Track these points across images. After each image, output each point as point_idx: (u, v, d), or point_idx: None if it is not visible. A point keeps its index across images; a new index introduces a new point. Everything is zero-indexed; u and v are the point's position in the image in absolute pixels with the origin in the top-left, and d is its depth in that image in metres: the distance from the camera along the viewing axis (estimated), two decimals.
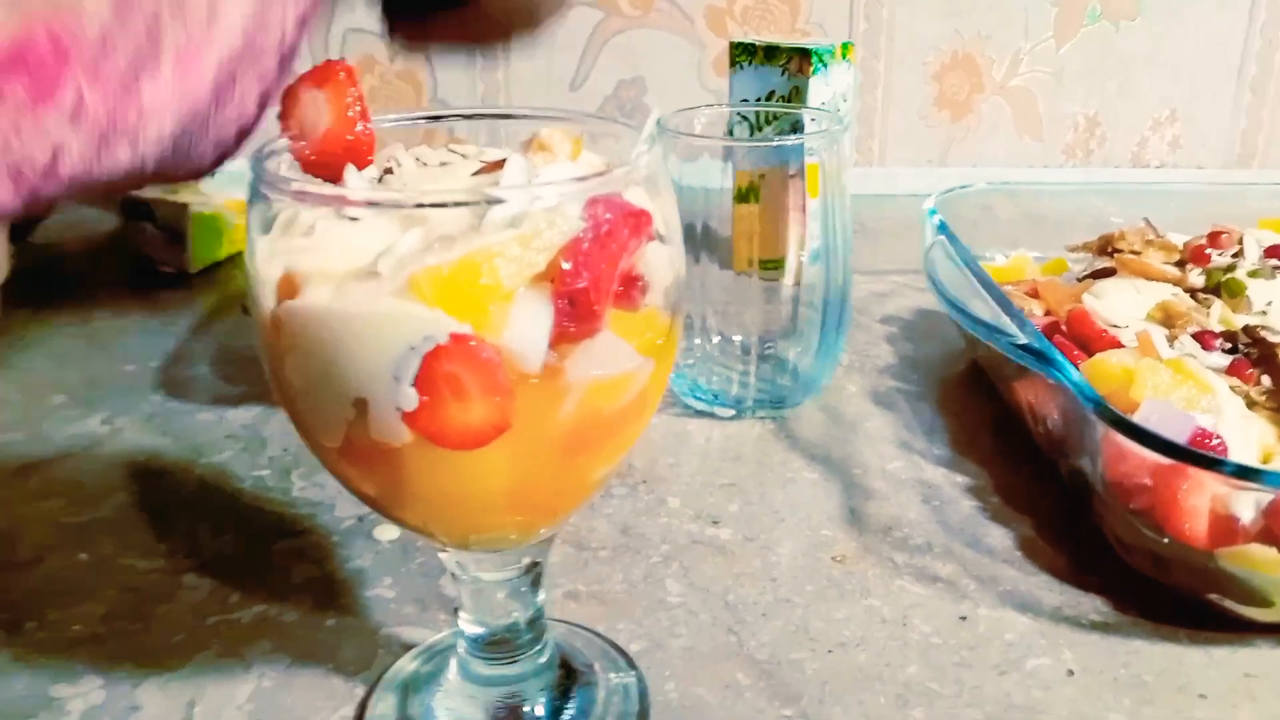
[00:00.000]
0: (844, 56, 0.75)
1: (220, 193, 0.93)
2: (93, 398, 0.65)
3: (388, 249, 0.27)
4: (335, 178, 0.31)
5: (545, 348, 0.28)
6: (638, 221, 0.29)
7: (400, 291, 0.27)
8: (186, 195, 0.90)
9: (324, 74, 0.31)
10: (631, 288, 0.31)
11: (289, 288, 0.28)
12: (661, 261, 0.32)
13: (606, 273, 0.28)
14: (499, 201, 0.27)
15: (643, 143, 0.31)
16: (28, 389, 0.66)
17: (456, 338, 0.27)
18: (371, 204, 0.28)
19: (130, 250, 0.90)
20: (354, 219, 0.28)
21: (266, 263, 0.29)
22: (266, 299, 0.29)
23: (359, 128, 0.31)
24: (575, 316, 0.28)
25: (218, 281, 0.86)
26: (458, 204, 0.27)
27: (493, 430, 0.28)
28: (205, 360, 0.70)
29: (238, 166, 0.92)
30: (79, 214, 1.04)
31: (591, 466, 0.33)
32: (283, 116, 0.32)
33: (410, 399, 0.27)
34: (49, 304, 0.81)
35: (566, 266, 0.27)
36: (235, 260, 0.90)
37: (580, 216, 0.28)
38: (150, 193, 0.91)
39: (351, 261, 0.27)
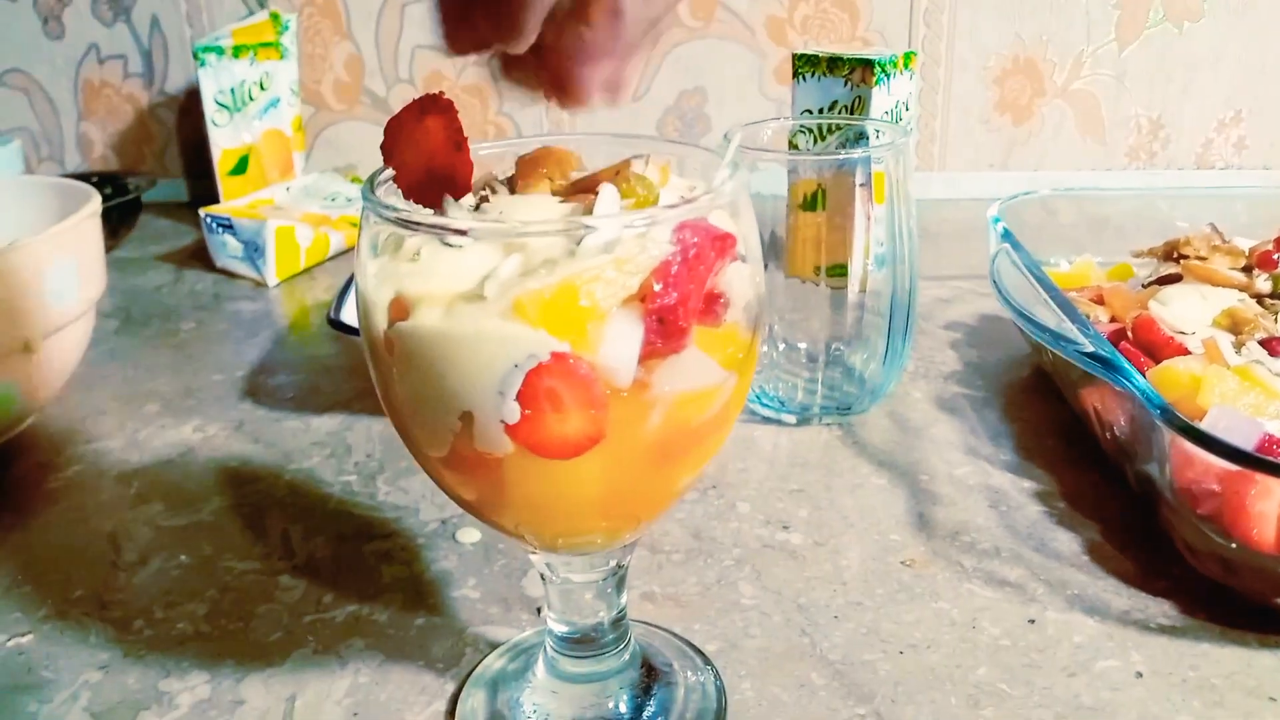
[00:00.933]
0: (906, 66, 0.76)
1: (298, 207, 0.96)
2: (184, 406, 0.68)
3: (492, 273, 0.29)
4: (436, 204, 0.33)
5: (636, 363, 0.30)
6: (723, 244, 0.31)
7: (505, 313, 0.29)
8: (266, 210, 0.93)
9: (426, 106, 0.33)
10: (714, 304, 0.32)
11: (400, 309, 0.30)
12: (743, 279, 0.33)
13: (694, 293, 0.30)
14: (594, 229, 0.29)
15: (725, 168, 0.33)
16: (123, 399, 0.70)
17: (557, 356, 0.29)
18: (479, 232, 0.29)
19: (212, 263, 0.94)
20: (458, 245, 0.30)
21: (378, 286, 0.31)
22: (379, 319, 0.31)
23: (459, 156, 0.33)
24: (664, 334, 0.30)
25: (296, 293, 0.89)
26: (558, 233, 0.29)
27: (588, 441, 0.30)
28: (289, 369, 0.73)
29: (314, 181, 0.95)
30: (158, 225, 1.08)
31: (677, 475, 0.34)
32: (386, 146, 0.34)
33: (513, 412, 0.29)
34: (137, 316, 0.85)
35: (657, 288, 0.29)
36: (313, 272, 0.93)
37: (670, 240, 0.30)
38: (231, 207, 0.94)
39: (457, 285, 0.29)
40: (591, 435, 0.30)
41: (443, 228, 0.30)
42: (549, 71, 0.31)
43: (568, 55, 0.30)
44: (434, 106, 0.33)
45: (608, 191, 0.30)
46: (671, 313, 0.30)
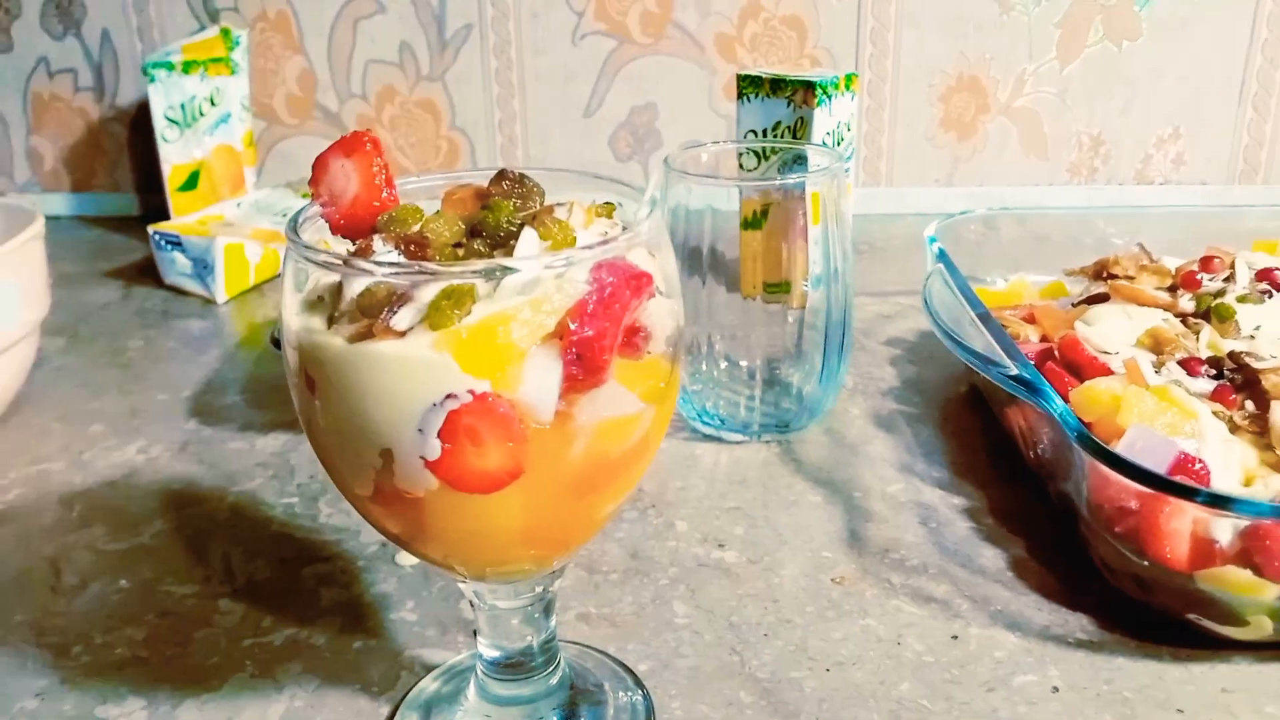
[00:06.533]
0: (847, 87, 0.78)
1: (248, 223, 0.96)
2: (130, 427, 0.68)
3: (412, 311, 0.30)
4: (361, 238, 0.34)
5: (556, 399, 0.31)
6: (639, 283, 0.32)
7: (423, 352, 0.29)
8: (216, 226, 0.93)
9: (351, 144, 0.34)
10: (635, 337, 0.33)
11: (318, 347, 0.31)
12: (662, 313, 0.34)
13: (610, 331, 0.31)
14: (513, 270, 0.30)
15: (645, 206, 0.34)
16: (68, 419, 0.70)
17: (476, 394, 0.29)
18: (399, 273, 0.30)
19: (161, 280, 0.93)
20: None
21: (301, 320, 0.32)
22: (301, 357, 0.32)
23: (384, 194, 0.34)
24: (583, 370, 0.31)
25: (246, 310, 0.89)
26: (475, 273, 0.30)
27: (508, 476, 0.31)
28: (235, 389, 0.74)
29: (265, 197, 0.95)
30: (109, 241, 1.07)
31: (599, 505, 0.35)
32: (313, 183, 0.35)
33: (434, 449, 0.30)
34: (85, 334, 0.84)
35: (573, 326, 0.30)
36: (262, 289, 0.93)
37: (586, 281, 0.31)
38: (180, 224, 0.94)
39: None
40: (511, 470, 0.31)
41: (360, 269, 0.31)
42: None
43: None
44: (359, 144, 0.34)
45: (528, 234, 0.31)
46: (589, 349, 0.31)
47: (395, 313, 0.29)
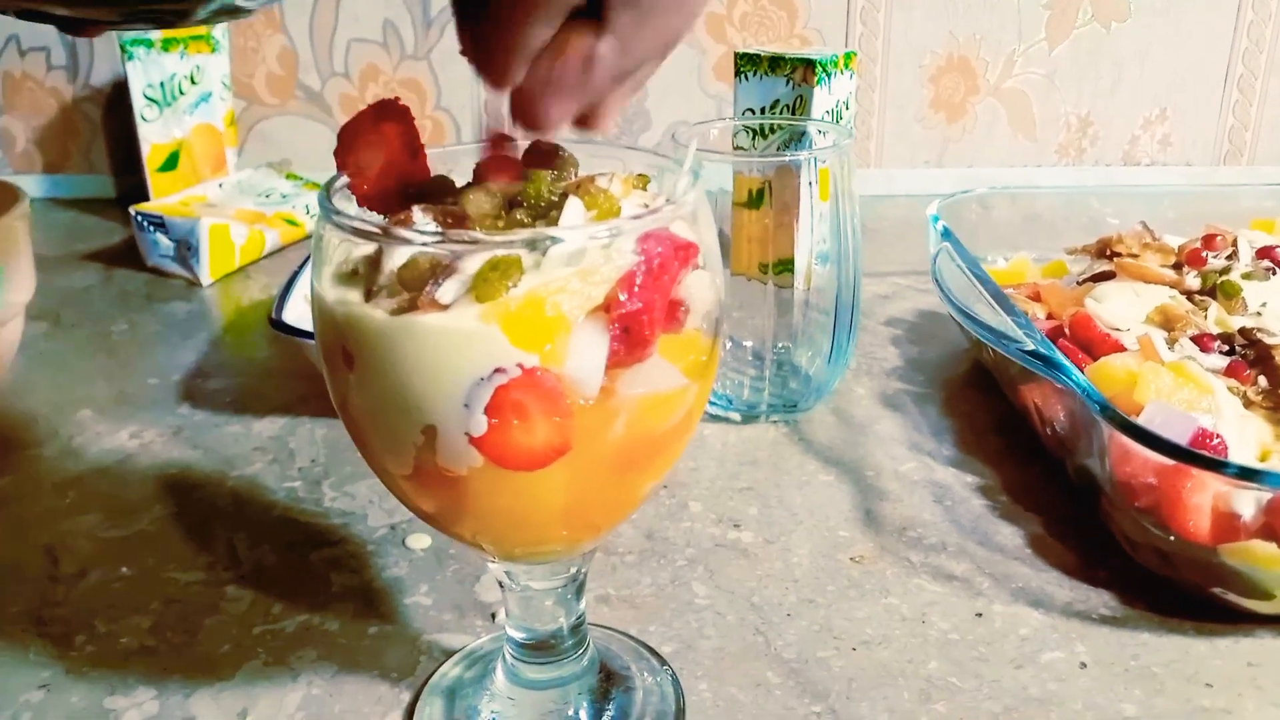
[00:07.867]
0: (846, 66, 0.77)
1: (231, 204, 0.94)
2: (120, 412, 0.67)
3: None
4: (392, 211, 0.32)
5: (602, 374, 0.30)
6: (685, 253, 0.31)
7: (470, 325, 0.28)
8: (199, 207, 0.91)
9: (380, 111, 0.33)
10: (675, 311, 0.33)
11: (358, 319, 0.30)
12: (703, 286, 0.33)
13: (658, 302, 0.30)
14: (560, 240, 0.29)
15: (684, 176, 0.33)
16: (54, 404, 0.68)
17: (525, 368, 0.28)
18: (443, 242, 0.29)
19: (142, 262, 0.91)
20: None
21: (336, 294, 0.31)
22: (337, 332, 0.31)
23: (417, 162, 0.33)
24: (629, 343, 0.30)
25: (232, 292, 0.87)
26: (522, 243, 0.29)
27: (555, 452, 0.30)
28: (227, 372, 0.72)
29: (247, 178, 0.93)
30: (85, 223, 1.05)
31: (641, 482, 0.35)
32: (340, 153, 0.33)
33: (480, 425, 0.29)
34: (67, 319, 0.82)
35: (623, 298, 0.29)
36: (248, 270, 0.91)
37: (634, 251, 0.30)
38: (163, 204, 0.92)
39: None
40: (559, 446, 0.30)
41: (403, 239, 0.29)
42: (516, 99, 0.32)
43: (535, 89, 0.31)
44: (390, 112, 0.33)
45: (573, 204, 0.30)
46: (637, 321, 0.30)
47: (440, 285, 0.28)
